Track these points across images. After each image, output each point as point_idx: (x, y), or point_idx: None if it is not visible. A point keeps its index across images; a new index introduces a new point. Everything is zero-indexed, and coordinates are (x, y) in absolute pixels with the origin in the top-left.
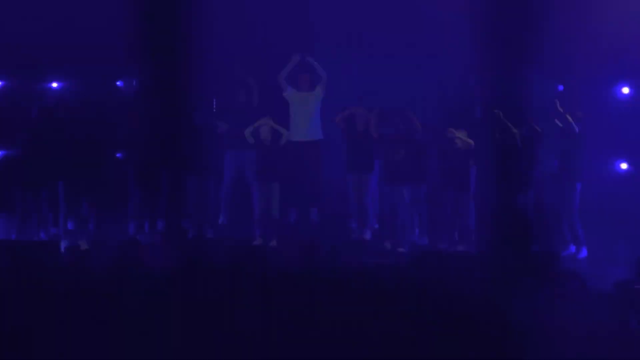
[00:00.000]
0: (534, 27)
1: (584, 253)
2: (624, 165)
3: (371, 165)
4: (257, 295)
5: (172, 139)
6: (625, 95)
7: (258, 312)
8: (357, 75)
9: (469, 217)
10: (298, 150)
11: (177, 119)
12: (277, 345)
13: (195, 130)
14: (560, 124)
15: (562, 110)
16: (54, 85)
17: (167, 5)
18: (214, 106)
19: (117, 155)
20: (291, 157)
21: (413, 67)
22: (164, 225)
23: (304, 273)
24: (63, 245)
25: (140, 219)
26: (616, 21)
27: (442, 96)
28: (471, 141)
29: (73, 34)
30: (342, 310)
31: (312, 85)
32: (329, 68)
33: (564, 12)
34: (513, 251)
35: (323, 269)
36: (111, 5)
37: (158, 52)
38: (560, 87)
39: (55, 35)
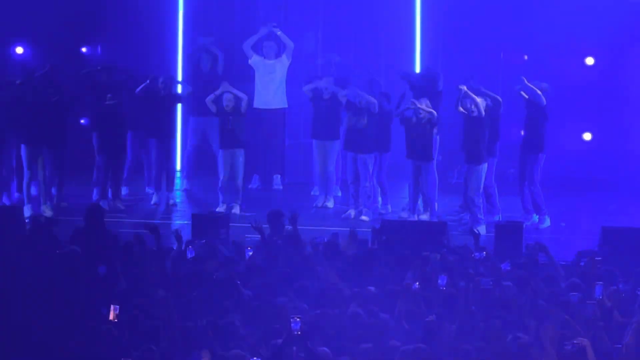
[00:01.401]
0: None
1: (546, 222)
2: (587, 136)
3: (336, 133)
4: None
5: (135, 105)
6: (589, 66)
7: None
8: (325, 47)
9: (432, 186)
10: (262, 117)
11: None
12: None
13: (159, 97)
14: (525, 95)
15: (526, 82)
16: (18, 51)
17: None
18: (180, 73)
19: (81, 120)
20: (255, 125)
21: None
22: (127, 192)
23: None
24: (26, 210)
25: (103, 185)
26: None
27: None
28: (434, 111)
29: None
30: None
31: (278, 53)
32: (297, 38)
33: None
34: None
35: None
36: None
37: (122, 19)
38: (525, 57)
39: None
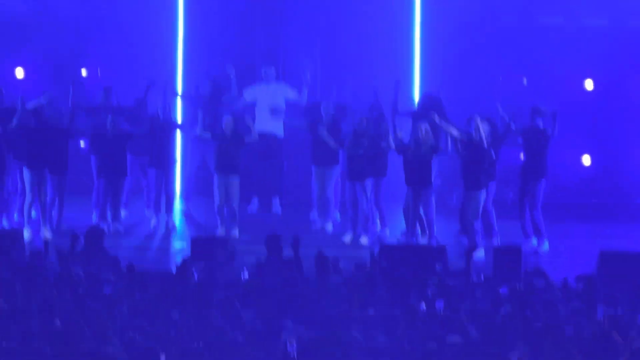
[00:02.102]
0: (502, 23)
1: (545, 246)
2: (586, 160)
3: (335, 158)
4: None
5: (137, 129)
6: (588, 90)
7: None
8: (324, 70)
9: (431, 210)
10: (260, 140)
11: (143, 110)
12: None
13: (159, 121)
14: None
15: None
16: (18, 73)
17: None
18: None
19: (82, 143)
20: (253, 147)
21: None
22: (126, 214)
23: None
24: (26, 233)
25: (103, 207)
26: (579, 16)
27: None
28: (431, 136)
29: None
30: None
31: (277, 78)
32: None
33: (530, 9)
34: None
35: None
36: None
37: (125, 43)
38: (524, 81)
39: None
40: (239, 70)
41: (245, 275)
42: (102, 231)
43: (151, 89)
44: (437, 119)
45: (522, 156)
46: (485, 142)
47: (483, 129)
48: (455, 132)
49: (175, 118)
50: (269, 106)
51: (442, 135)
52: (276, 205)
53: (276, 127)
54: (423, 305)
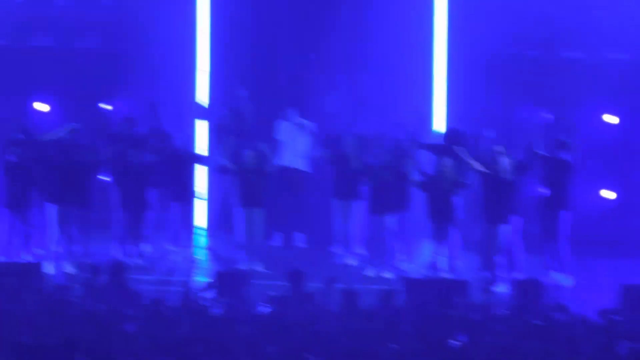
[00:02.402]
0: (524, 57)
1: (568, 281)
2: (610, 194)
3: (357, 192)
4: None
5: (158, 162)
6: (612, 124)
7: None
8: (347, 102)
9: (455, 244)
10: (285, 175)
11: (163, 142)
12: None
13: (179, 154)
14: (541, 153)
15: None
16: (40, 108)
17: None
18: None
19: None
20: (278, 181)
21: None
22: (149, 248)
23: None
24: (48, 267)
25: (124, 242)
26: (601, 50)
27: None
28: (454, 171)
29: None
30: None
31: (303, 115)
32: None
33: (553, 42)
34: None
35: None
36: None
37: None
38: (550, 116)
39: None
40: (263, 104)
41: (269, 310)
42: (123, 266)
43: (155, 109)
44: (460, 151)
45: (543, 189)
46: (506, 175)
47: (504, 162)
48: (477, 166)
49: (197, 150)
50: (292, 143)
51: (465, 169)
52: (300, 239)
53: (300, 164)
54: (446, 340)
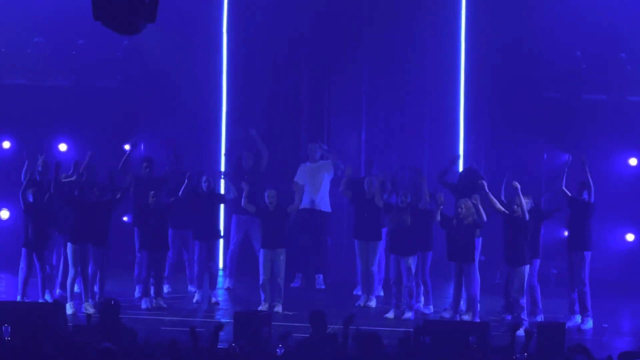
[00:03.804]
0: (546, 99)
1: (589, 324)
2: (630, 237)
3: (378, 233)
4: None
5: (180, 202)
6: (632, 166)
7: None
8: (368, 147)
9: (475, 286)
10: (306, 217)
11: (184, 182)
12: None
13: (202, 196)
14: (568, 193)
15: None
16: (61, 148)
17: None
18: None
19: (123, 217)
20: (299, 224)
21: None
22: (169, 290)
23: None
24: (69, 308)
25: (146, 283)
26: (621, 93)
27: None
28: (475, 213)
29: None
30: None
31: (323, 155)
32: (340, 140)
33: (573, 85)
34: (518, 321)
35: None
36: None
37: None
38: (569, 158)
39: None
40: (284, 143)
41: (289, 351)
42: (117, 305)
43: (175, 149)
44: (484, 187)
45: (566, 232)
46: (527, 216)
47: (525, 203)
48: (498, 205)
49: (219, 190)
50: (312, 184)
51: (485, 210)
52: (320, 282)
53: (321, 206)
54: None
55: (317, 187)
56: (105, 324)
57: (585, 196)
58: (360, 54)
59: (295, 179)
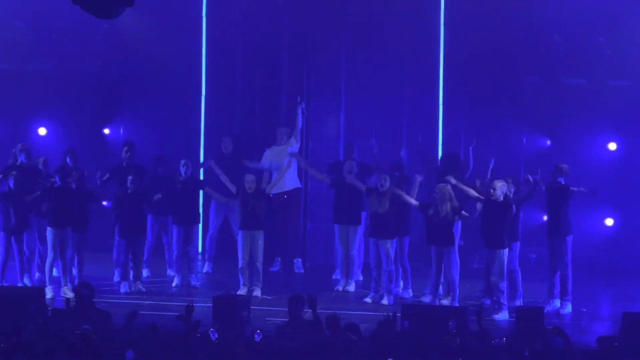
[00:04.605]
0: (526, 84)
1: (568, 308)
2: (609, 221)
3: (358, 218)
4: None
5: (159, 187)
6: (612, 151)
7: None
8: (347, 131)
9: (455, 271)
10: (278, 202)
11: (164, 167)
12: None
13: (179, 181)
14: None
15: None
16: (40, 132)
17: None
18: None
19: (103, 202)
20: (273, 209)
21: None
22: (149, 274)
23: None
24: (48, 292)
25: (125, 267)
26: (602, 77)
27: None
28: (452, 197)
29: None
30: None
31: (288, 138)
32: (319, 122)
33: (554, 70)
34: (498, 305)
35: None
36: None
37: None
38: (549, 142)
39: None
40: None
41: (268, 335)
42: (91, 288)
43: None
44: (453, 181)
45: (545, 217)
46: (506, 201)
47: (502, 189)
48: (472, 193)
49: (198, 175)
50: (279, 167)
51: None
52: (298, 265)
53: (290, 185)
54: None
55: (283, 168)
56: (80, 308)
57: (561, 180)
58: (340, 37)
59: (261, 163)
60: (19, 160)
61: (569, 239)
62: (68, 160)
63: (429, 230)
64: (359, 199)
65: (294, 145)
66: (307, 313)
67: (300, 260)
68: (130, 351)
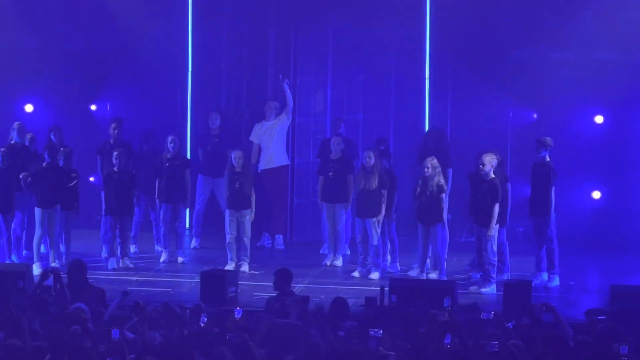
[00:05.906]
0: (512, 57)
1: (555, 281)
2: (596, 194)
3: (345, 194)
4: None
5: (146, 164)
6: (598, 124)
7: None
8: (334, 106)
9: (442, 245)
10: (266, 178)
11: (152, 144)
12: None
13: (166, 159)
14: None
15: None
16: (27, 108)
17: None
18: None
19: (90, 178)
20: (260, 185)
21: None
22: (136, 250)
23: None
24: (36, 268)
25: (112, 243)
26: (589, 51)
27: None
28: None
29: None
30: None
31: (278, 113)
32: (306, 97)
33: (541, 43)
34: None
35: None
36: None
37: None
38: (535, 116)
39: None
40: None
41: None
42: (83, 264)
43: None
44: (434, 162)
45: (529, 190)
46: (494, 176)
47: (492, 163)
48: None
49: (184, 152)
50: (269, 143)
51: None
52: (279, 242)
53: (278, 162)
54: (432, 341)
55: (273, 144)
56: (73, 284)
57: (545, 154)
58: (326, 12)
59: (251, 138)
60: (14, 140)
61: (552, 216)
62: (52, 137)
63: (417, 207)
64: (346, 177)
65: (285, 121)
66: (296, 287)
67: (281, 236)
68: (116, 330)
